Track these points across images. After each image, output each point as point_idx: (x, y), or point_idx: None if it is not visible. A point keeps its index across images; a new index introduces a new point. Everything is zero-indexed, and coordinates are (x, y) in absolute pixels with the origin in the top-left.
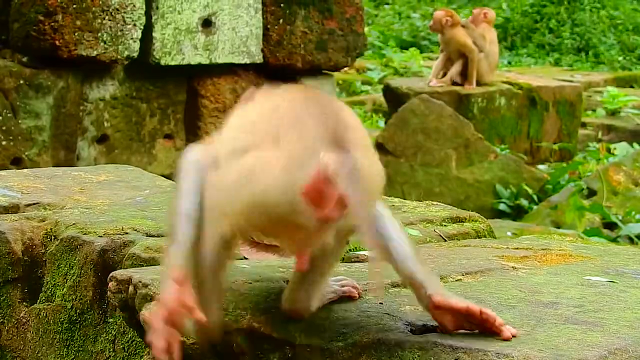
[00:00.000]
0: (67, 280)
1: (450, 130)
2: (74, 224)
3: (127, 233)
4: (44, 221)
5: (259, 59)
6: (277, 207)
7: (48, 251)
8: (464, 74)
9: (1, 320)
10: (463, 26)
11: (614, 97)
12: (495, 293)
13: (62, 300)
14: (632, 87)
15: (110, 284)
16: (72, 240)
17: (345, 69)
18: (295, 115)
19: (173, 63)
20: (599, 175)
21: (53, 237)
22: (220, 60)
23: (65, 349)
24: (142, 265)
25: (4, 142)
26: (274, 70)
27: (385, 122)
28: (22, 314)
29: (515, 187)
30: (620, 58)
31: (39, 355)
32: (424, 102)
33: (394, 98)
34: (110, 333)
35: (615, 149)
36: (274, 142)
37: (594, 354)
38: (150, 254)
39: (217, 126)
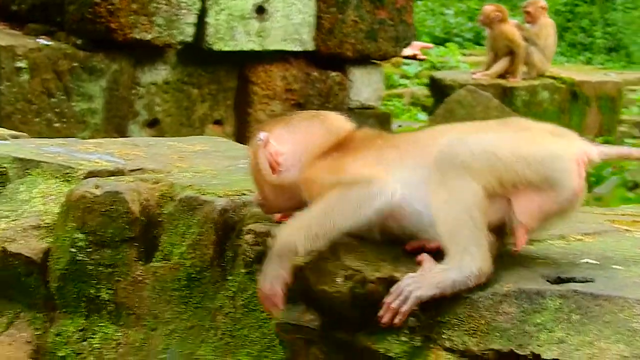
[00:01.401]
0: (185, 239)
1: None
2: (189, 185)
3: (244, 194)
4: (158, 183)
5: (310, 46)
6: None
7: (165, 211)
8: (511, 69)
9: (117, 278)
10: (519, 26)
11: None
12: (617, 251)
13: (180, 258)
14: None
15: (247, 236)
16: (190, 200)
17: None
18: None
19: (226, 49)
20: None
21: (169, 198)
22: (272, 47)
23: (183, 306)
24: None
25: (56, 124)
26: (324, 58)
27: (430, 113)
28: (138, 273)
29: None
30: None
31: (156, 312)
32: (471, 93)
33: (439, 90)
34: (230, 290)
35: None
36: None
37: None
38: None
39: (267, 113)
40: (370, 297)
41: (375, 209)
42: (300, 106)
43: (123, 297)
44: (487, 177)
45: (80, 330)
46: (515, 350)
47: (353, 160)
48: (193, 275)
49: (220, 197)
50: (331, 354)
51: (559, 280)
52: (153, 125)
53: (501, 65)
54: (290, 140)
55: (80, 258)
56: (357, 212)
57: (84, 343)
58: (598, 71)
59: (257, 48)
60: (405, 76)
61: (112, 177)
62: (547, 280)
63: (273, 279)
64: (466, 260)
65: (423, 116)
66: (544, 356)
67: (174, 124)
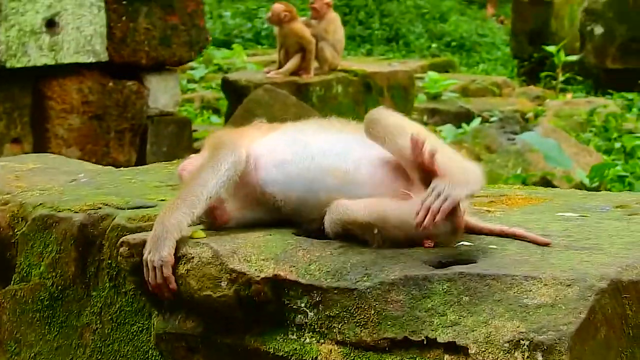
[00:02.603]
0: (43, 258)
1: (296, 118)
2: (41, 204)
3: (100, 208)
4: (7, 204)
5: (104, 57)
6: None
7: (18, 232)
8: (303, 66)
9: None
10: (307, 22)
11: (435, 81)
12: None
13: (40, 279)
14: (447, 72)
15: (121, 249)
16: (45, 218)
17: None
18: None
19: (19, 65)
20: None
21: (20, 219)
22: (66, 61)
23: (47, 327)
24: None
25: None
26: (119, 67)
27: (226, 115)
28: None
29: None
30: (432, 45)
31: (17, 335)
32: (268, 92)
33: (233, 91)
34: (96, 306)
35: (441, 131)
36: None
37: (611, 271)
38: (136, 223)
39: (65, 127)
40: (257, 297)
41: (230, 162)
42: (99, 118)
43: None
44: None
45: None
46: (409, 337)
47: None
48: (55, 295)
49: (77, 212)
50: (216, 358)
51: (441, 265)
52: None
53: (293, 62)
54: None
55: None
56: (216, 168)
57: None
58: (381, 62)
59: (50, 62)
60: (192, 80)
61: None
62: (431, 266)
63: (162, 266)
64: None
65: (216, 119)
66: (439, 340)
67: None
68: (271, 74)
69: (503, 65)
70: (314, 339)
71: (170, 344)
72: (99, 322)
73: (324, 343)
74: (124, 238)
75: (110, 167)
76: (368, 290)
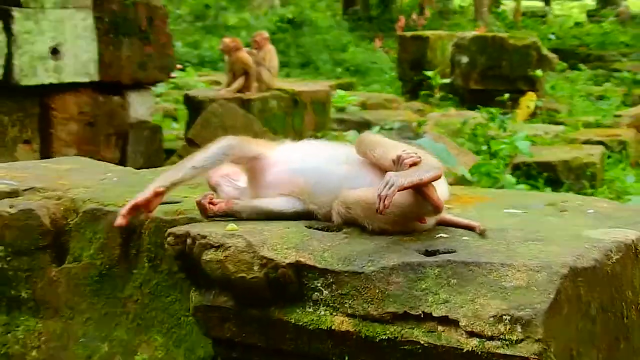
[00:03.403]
0: (92, 243)
1: (243, 126)
2: (89, 199)
3: None
4: (60, 199)
5: (96, 77)
6: None
7: (72, 222)
8: (246, 85)
9: (35, 280)
10: (250, 52)
11: (342, 97)
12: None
13: (90, 259)
14: (349, 90)
15: (169, 238)
16: (94, 211)
17: None
18: None
19: (30, 83)
20: None
21: (72, 211)
22: (66, 80)
23: (96, 298)
24: (166, 226)
25: None
26: (108, 86)
27: (187, 124)
28: (53, 274)
29: None
30: (336, 70)
31: (71, 304)
32: (221, 105)
33: (193, 104)
34: (137, 281)
35: (347, 135)
36: None
37: (569, 260)
38: (171, 216)
39: (66, 131)
40: (282, 279)
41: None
42: (92, 125)
43: (41, 295)
44: None
45: (4, 325)
46: (409, 312)
47: None
48: (103, 272)
49: (120, 207)
50: (245, 326)
51: (428, 253)
52: None
53: (239, 82)
54: None
55: (0, 266)
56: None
57: (8, 335)
58: (300, 82)
59: (54, 81)
60: (156, 95)
61: (20, 198)
62: (421, 254)
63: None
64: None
65: (175, 125)
66: (434, 314)
67: None
68: (222, 92)
69: (389, 85)
70: (327, 312)
71: (206, 314)
72: (139, 294)
73: (337, 315)
74: (170, 230)
75: (130, 168)
76: (373, 273)
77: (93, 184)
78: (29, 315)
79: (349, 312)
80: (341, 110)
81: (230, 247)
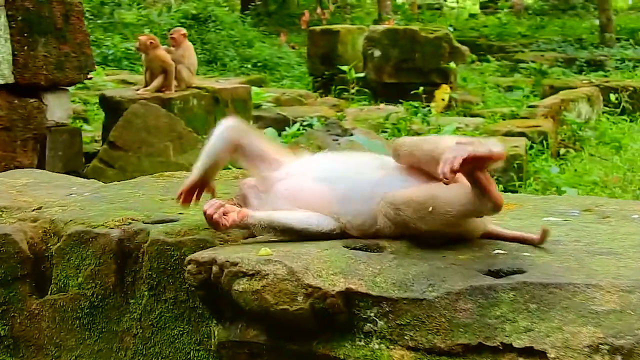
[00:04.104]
0: (80, 270)
1: (166, 126)
2: (71, 220)
3: (130, 223)
4: (36, 221)
5: (10, 79)
6: None
7: (54, 247)
8: (165, 84)
9: (13, 314)
10: (167, 49)
11: (258, 94)
12: None
13: (79, 289)
14: (261, 86)
15: (189, 266)
16: (81, 234)
17: None
18: None
19: None
20: None
21: (53, 234)
22: None
23: (87, 332)
24: (170, 249)
25: None
26: (23, 88)
27: (104, 126)
28: (33, 307)
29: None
30: (243, 66)
31: (57, 340)
32: (143, 106)
33: (109, 105)
34: (135, 312)
35: (266, 132)
36: None
37: None
38: (174, 238)
39: None
40: (331, 309)
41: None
42: (7, 129)
43: (20, 331)
44: None
45: None
46: (484, 342)
47: None
48: (95, 303)
49: (112, 228)
50: None
51: (493, 274)
52: None
53: (158, 81)
54: None
55: None
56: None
57: None
58: (209, 79)
59: None
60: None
61: None
62: (485, 274)
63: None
64: None
65: (87, 126)
66: (515, 345)
67: None
68: (140, 91)
69: (299, 80)
70: (383, 345)
71: (232, 351)
72: (139, 327)
73: (395, 349)
74: (191, 256)
75: (97, 181)
76: (436, 299)
77: (67, 202)
78: (6, 355)
79: (411, 344)
80: (257, 107)
81: (267, 275)
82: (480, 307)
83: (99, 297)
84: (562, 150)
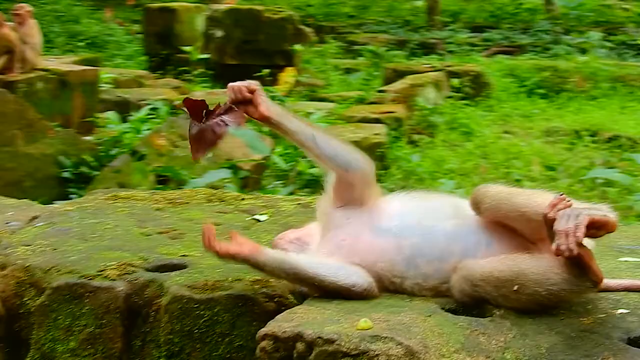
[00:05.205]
0: (73, 333)
1: (15, 113)
2: (53, 267)
3: (132, 272)
4: (5, 268)
5: None
6: None
7: (36, 302)
8: (8, 66)
9: None
10: (13, 28)
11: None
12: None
13: (71, 356)
14: (97, 66)
15: (263, 342)
16: (74, 287)
17: None
18: None
19: None
20: (145, 141)
21: (30, 285)
22: None
23: None
24: (198, 308)
25: None
26: None
27: None
28: None
29: (76, 157)
30: (69, 44)
31: None
32: None
33: None
34: None
35: (108, 118)
36: None
37: None
38: (203, 293)
39: None
40: None
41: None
42: None
43: None
44: None
45: None
46: None
47: None
48: None
49: (114, 280)
50: None
51: (633, 342)
52: None
53: (1, 62)
54: None
55: None
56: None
57: None
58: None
59: None
60: None
61: None
62: (627, 343)
63: None
64: None
65: None
66: None
67: None
68: None
69: (130, 59)
70: None
71: None
72: None
73: None
74: (267, 329)
75: (32, 201)
76: None
77: (28, 238)
78: None
79: None
80: None
81: (377, 355)
82: None
83: None
84: (416, 137)
